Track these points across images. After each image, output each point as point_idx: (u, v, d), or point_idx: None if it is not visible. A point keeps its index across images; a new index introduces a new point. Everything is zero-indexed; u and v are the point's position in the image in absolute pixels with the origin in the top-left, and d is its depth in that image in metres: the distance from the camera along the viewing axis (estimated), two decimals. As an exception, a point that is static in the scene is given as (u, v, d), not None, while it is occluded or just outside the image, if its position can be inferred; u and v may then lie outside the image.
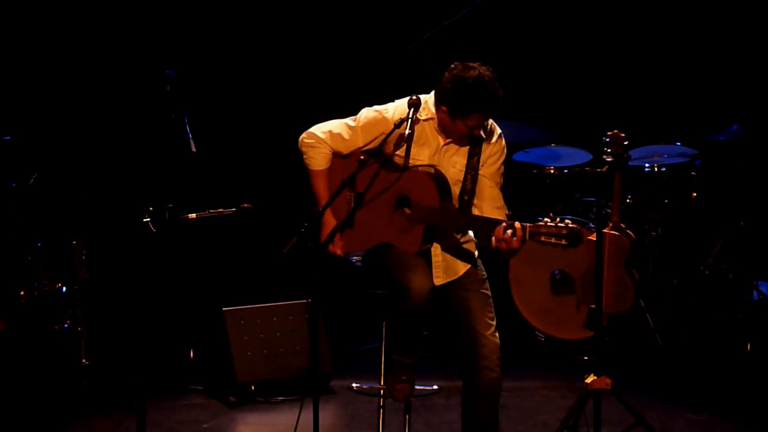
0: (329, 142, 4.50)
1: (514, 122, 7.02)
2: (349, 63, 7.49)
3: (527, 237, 4.17)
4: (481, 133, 4.41)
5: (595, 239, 4.96)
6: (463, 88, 4.25)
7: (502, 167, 4.50)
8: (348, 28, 7.55)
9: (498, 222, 4.22)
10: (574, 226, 4.11)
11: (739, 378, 6.09)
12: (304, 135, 4.55)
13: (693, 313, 6.65)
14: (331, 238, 4.38)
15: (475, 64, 4.30)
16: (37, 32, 7.09)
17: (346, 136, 4.48)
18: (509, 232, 4.17)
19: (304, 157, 4.55)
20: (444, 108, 4.33)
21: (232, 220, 5.13)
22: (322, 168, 4.52)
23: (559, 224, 4.12)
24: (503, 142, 4.49)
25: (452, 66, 4.32)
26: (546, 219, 4.16)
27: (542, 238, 4.14)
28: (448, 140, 4.42)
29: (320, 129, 4.53)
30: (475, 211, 4.43)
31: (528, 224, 4.18)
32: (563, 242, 4.11)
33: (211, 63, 7.44)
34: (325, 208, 4.37)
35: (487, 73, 4.28)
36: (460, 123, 4.31)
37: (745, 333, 6.42)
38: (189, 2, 7.42)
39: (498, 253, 4.26)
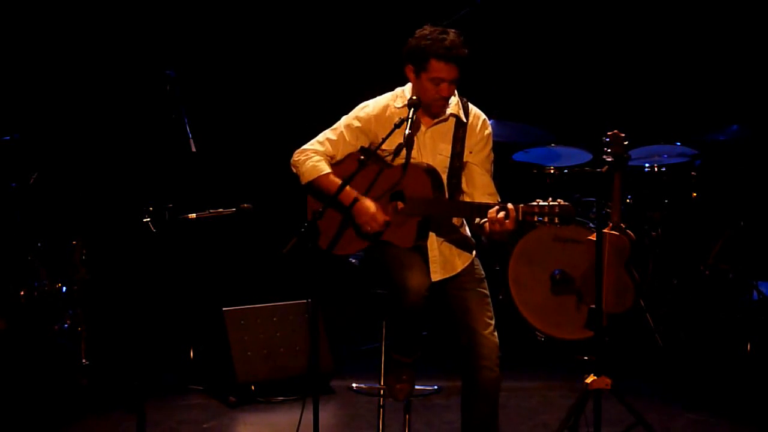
0: (321, 149, 4.49)
1: (514, 122, 7.02)
2: (349, 63, 7.49)
3: (520, 217, 4.18)
4: (461, 114, 4.42)
5: (595, 239, 4.95)
6: (422, 36, 4.31)
7: (492, 153, 4.52)
8: (348, 28, 7.55)
9: (490, 205, 4.24)
10: (566, 203, 4.14)
11: (739, 378, 6.08)
12: (292, 157, 4.54)
13: (693, 313, 6.65)
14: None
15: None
16: (37, 32, 7.09)
17: (334, 137, 4.49)
18: (502, 213, 4.18)
19: (301, 171, 4.49)
20: (410, 67, 4.35)
21: (232, 220, 5.13)
22: (322, 173, 4.47)
23: (551, 203, 4.15)
24: (488, 128, 4.51)
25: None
26: (538, 199, 4.18)
27: (535, 218, 4.16)
28: (432, 122, 4.43)
29: (307, 144, 4.53)
30: (466, 199, 4.44)
31: (521, 205, 4.19)
32: (556, 220, 4.14)
33: (211, 63, 7.44)
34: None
35: (453, 31, 4.31)
36: (425, 79, 4.32)
37: (745, 333, 6.42)
38: (189, 2, 7.42)
39: (492, 237, 4.27)
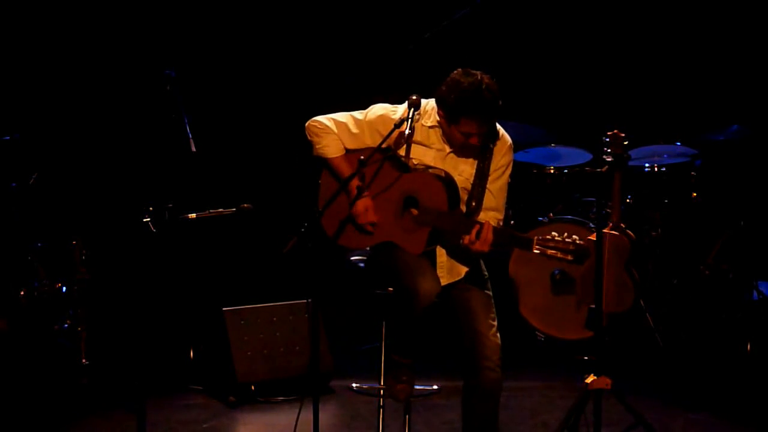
0: (336, 131, 4.48)
1: (514, 122, 7.02)
2: (349, 63, 7.49)
3: (533, 249, 4.17)
4: (489, 138, 4.39)
5: (595, 239, 4.95)
6: (456, 92, 4.21)
7: (507, 181, 4.47)
8: (348, 28, 7.55)
9: (503, 230, 4.24)
10: (583, 243, 4.12)
11: (739, 378, 6.08)
12: (309, 122, 4.51)
13: (693, 313, 6.65)
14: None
15: (477, 72, 4.25)
16: (37, 32, 7.09)
17: (354, 129, 4.46)
18: (474, 235, 4.19)
19: (316, 146, 4.50)
20: (440, 113, 4.33)
21: (232, 220, 5.13)
22: (338, 155, 4.47)
23: (567, 239, 4.13)
24: (511, 155, 4.46)
25: (454, 71, 4.30)
26: (554, 232, 4.16)
27: (549, 251, 4.15)
28: (456, 150, 4.42)
29: (325, 117, 4.51)
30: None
31: (535, 236, 4.18)
32: (569, 257, 4.13)
33: (211, 63, 7.44)
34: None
35: (486, 80, 4.23)
36: (455, 130, 4.29)
37: (745, 333, 6.42)
38: (189, 2, 7.42)
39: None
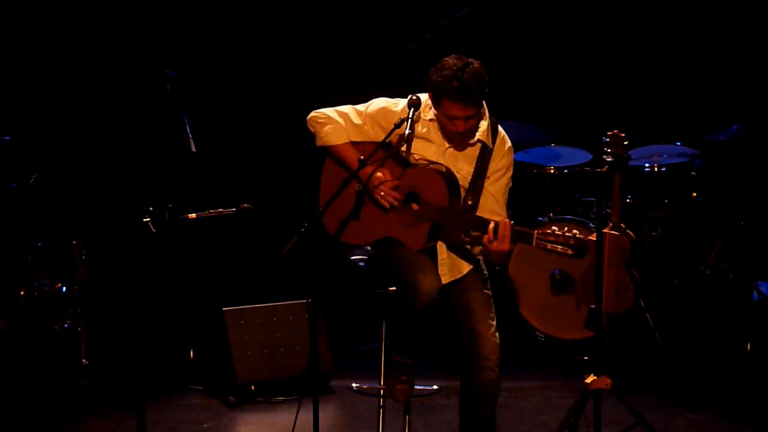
0: (340, 120, 4.49)
1: (515, 122, 7.02)
2: (349, 63, 7.49)
3: (534, 244, 4.16)
4: (488, 140, 4.39)
5: (595, 239, 4.95)
6: (439, 74, 4.24)
7: (510, 182, 4.49)
8: (348, 28, 7.55)
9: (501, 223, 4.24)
10: (581, 237, 4.12)
11: (739, 378, 6.08)
12: (311, 114, 4.53)
13: (693, 313, 6.65)
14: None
15: (470, 59, 4.27)
16: (37, 32, 7.09)
17: (356, 120, 4.47)
18: (497, 229, 4.18)
19: (319, 135, 4.50)
20: (429, 96, 4.34)
21: (232, 220, 5.13)
22: (341, 141, 4.48)
23: (567, 233, 4.13)
24: (511, 157, 4.47)
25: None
26: (554, 227, 4.17)
27: (549, 246, 4.15)
28: (452, 144, 4.42)
29: (328, 108, 4.52)
30: None
31: (536, 231, 4.18)
32: (570, 252, 4.13)
33: (211, 63, 7.44)
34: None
35: (475, 65, 4.24)
36: (441, 114, 4.30)
37: (745, 333, 6.42)
38: (189, 2, 7.42)
39: (489, 259, 4.29)
